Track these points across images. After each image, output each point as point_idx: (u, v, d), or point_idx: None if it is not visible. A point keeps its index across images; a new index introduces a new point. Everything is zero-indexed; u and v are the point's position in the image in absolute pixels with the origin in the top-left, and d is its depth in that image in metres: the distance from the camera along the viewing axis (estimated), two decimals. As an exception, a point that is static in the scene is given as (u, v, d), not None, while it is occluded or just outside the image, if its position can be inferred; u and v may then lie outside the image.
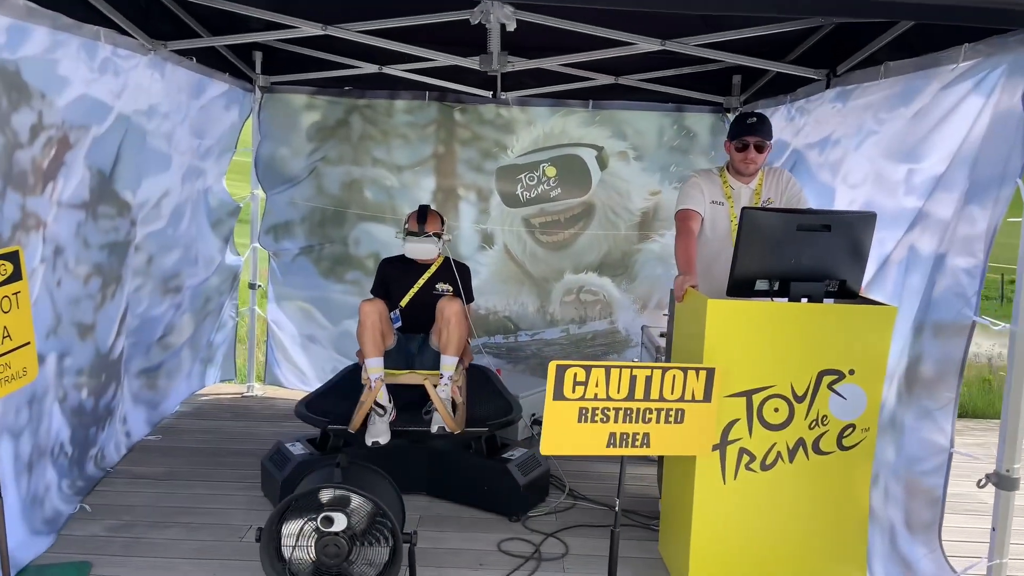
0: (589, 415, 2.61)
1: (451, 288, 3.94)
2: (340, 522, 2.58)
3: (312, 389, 5.36)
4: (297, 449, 3.66)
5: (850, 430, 2.82)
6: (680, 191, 3.52)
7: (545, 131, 5.13)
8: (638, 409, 2.63)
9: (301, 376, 5.44)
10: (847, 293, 2.94)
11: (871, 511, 2.78)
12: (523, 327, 5.30)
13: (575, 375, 2.58)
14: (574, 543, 3.40)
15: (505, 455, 3.69)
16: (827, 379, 2.80)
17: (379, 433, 3.59)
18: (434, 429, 3.58)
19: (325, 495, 2.62)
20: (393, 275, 4.00)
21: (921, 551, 2.42)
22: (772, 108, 4.39)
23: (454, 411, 3.66)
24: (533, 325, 5.26)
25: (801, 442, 2.84)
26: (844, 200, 3.24)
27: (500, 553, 3.30)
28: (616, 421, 2.63)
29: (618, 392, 2.61)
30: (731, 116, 5.16)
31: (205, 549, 3.24)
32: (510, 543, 3.38)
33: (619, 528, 2.72)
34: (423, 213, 3.87)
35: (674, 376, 2.63)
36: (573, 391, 2.59)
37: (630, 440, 2.65)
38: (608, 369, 2.59)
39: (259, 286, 5.43)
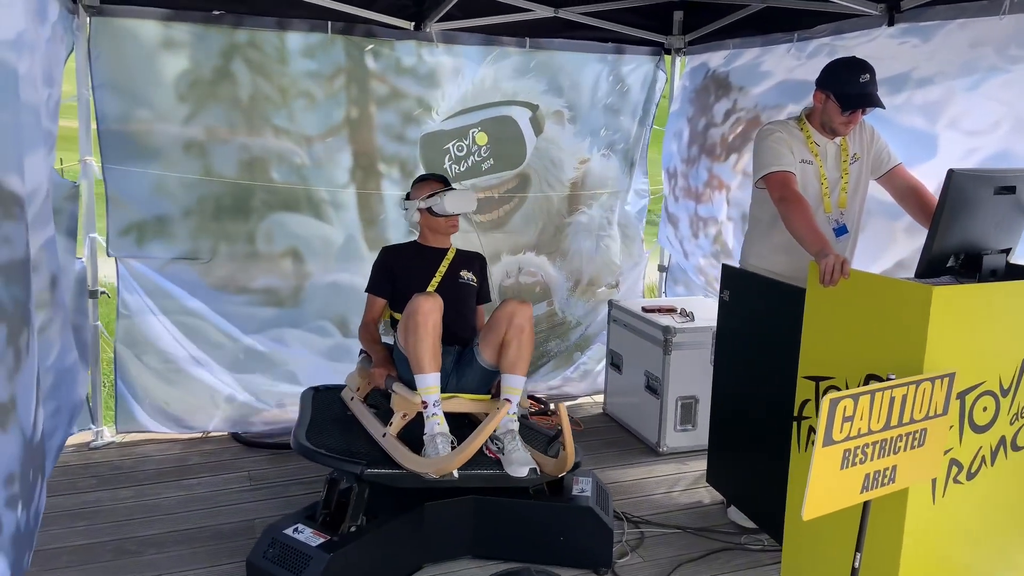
0: (851, 458, 1.98)
1: (476, 278, 3.11)
2: None
3: (189, 431, 4.08)
4: (306, 536, 2.58)
5: (1042, 418, 2.48)
6: (762, 148, 2.91)
7: (475, 83, 4.23)
8: (889, 439, 2.05)
9: (169, 417, 4.02)
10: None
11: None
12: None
13: (844, 409, 1.92)
14: (694, 590, 2.78)
15: (575, 492, 2.92)
16: (1030, 365, 2.42)
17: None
18: (523, 472, 2.68)
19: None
20: (401, 264, 3.10)
21: None
22: (760, 48, 3.93)
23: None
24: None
25: (1002, 441, 2.45)
26: (960, 149, 2.85)
27: (632, 628, 2.58)
28: (871, 459, 2.03)
29: (877, 421, 2.01)
30: (673, 59, 4.66)
31: None
32: (629, 609, 2.67)
33: (855, 586, 2.15)
34: (434, 174, 3.25)
35: (923, 391, 2.08)
36: (841, 430, 1.94)
37: (879, 479, 2.07)
38: (873, 395, 1.97)
39: (103, 293, 3.93)
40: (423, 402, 2.70)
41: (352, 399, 3.11)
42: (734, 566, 2.93)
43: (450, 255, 3.13)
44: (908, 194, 2.90)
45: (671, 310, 4.13)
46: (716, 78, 4.21)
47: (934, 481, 2.36)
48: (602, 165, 4.62)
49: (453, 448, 2.66)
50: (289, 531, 2.61)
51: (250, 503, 3.40)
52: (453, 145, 4.25)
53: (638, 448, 4.04)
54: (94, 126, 3.67)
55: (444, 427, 2.70)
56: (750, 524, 3.17)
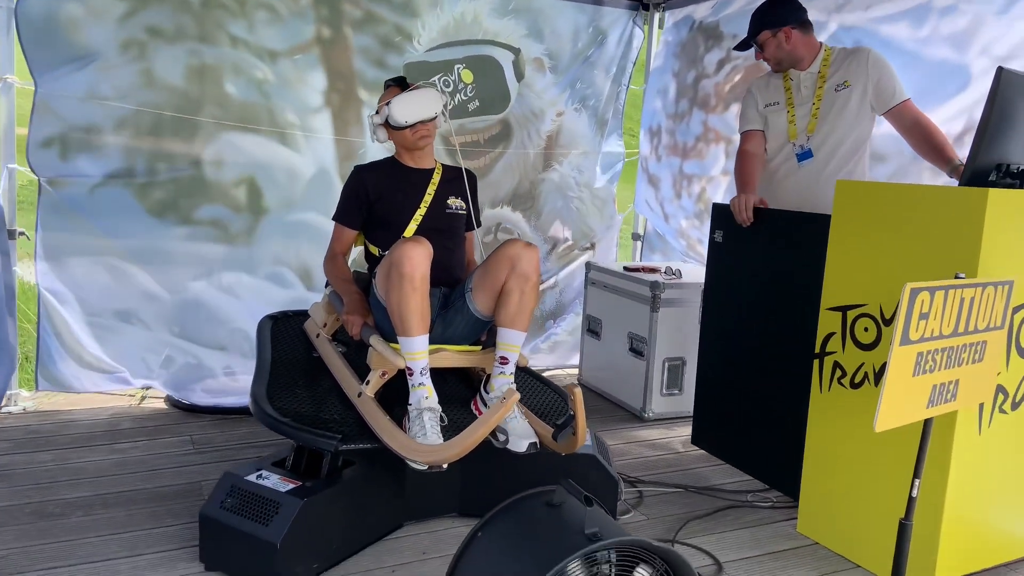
0: (923, 363, 1.75)
1: (464, 205, 2.72)
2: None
3: (125, 386, 3.64)
4: (274, 482, 2.21)
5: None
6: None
7: (455, 17, 3.94)
8: (955, 348, 1.84)
9: (104, 372, 3.59)
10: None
11: None
12: (442, 275, 4.11)
13: (922, 304, 1.69)
14: (711, 546, 2.50)
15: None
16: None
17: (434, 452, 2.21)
18: (522, 448, 2.32)
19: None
20: (379, 189, 2.60)
21: None
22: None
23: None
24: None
25: (1046, 368, 2.27)
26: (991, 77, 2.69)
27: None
28: (939, 367, 1.81)
29: (948, 325, 1.79)
30: (651, 15, 4.47)
31: None
32: (641, 565, 2.37)
33: (911, 522, 1.92)
34: (395, 77, 2.71)
35: (988, 296, 1.88)
36: (917, 328, 1.70)
37: (943, 394, 1.85)
38: (947, 291, 1.75)
39: (23, 234, 3.44)
40: (408, 368, 2.30)
41: (318, 336, 2.74)
42: (745, 522, 2.67)
43: (436, 177, 2.68)
44: (913, 128, 2.73)
45: (655, 270, 3.89)
46: (704, 29, 4.02)
47: (981, 407, 2.17)
48: (573, 121, 4.39)
49: (443, 422, 2.30)
50: (252, 477, 2.23)
51: (195, 466, 2.99)
52: (440, 80, 3.95)
53: (620, 415, 3.78)
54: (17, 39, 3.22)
55: (433, 399, 2.27)
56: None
